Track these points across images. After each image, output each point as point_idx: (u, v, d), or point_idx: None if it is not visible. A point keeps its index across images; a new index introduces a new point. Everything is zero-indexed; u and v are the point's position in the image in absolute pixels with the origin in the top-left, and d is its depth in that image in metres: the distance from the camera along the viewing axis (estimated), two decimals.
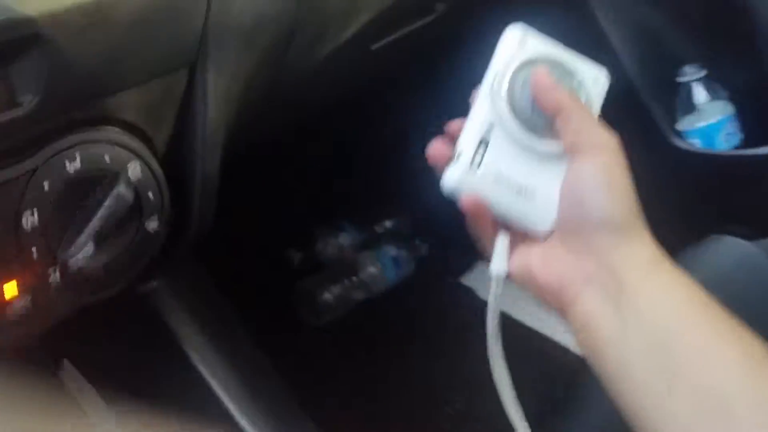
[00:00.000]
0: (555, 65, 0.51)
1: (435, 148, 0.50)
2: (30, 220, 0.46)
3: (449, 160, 0.50)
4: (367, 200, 1.38)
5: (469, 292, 1.33)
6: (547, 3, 0.64)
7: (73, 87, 0.45)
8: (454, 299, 1.30)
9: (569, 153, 0.48)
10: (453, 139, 0.50)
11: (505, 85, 0.50)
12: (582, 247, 0.47)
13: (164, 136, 0.54)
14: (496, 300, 0.50)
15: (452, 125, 0.51)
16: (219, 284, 0.74)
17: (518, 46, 0.52)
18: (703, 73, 1.18)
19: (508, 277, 0.50)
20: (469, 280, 1.35)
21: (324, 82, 0.75)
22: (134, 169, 0.51)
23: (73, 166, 0.47)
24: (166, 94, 0.52)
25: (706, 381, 0.42)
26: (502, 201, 0.50)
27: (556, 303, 0.48)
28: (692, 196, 1.18)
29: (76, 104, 0.46)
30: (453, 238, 0.79)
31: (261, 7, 0.54)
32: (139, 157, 0.51)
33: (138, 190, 0.51)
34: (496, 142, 0.50)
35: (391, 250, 1.32)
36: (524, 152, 0.50)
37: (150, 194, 0.52)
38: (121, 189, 0.49)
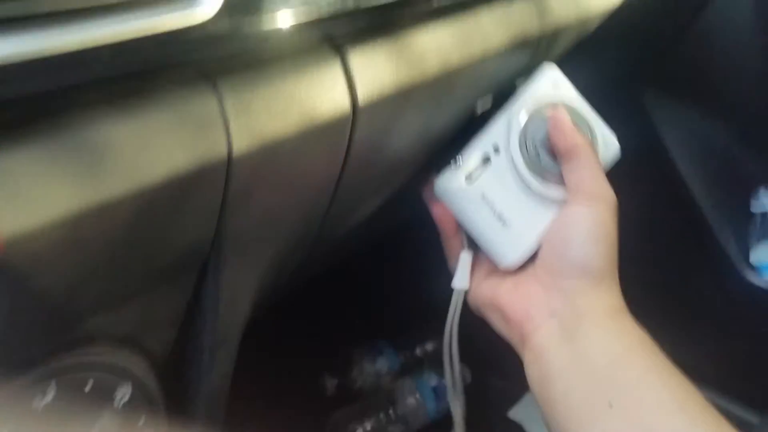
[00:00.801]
0: (577, 114, 0.52)
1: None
2: None
3: (446, 166, 0.52)
4: (408, 320, 1.27)
5: (517, 429, 1.20)
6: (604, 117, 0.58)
7: (43, 318, 0.35)
8: None
9: (569, 195, 0.49)
10: None
11: (525, 117, 0.51)
12: (554, 285, 0.49)
13: (164, 347, 0.44)
14: (455, 316, 0.55)
15: None
16: (248, 412, 0.64)
17: (550, 86, 0.53)
18: None
19: (475, 304, 0.53)
20: (517, 413, 1.22)
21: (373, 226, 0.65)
22: (122, 395, 0.41)
23: (43, 401, 0.38)
24: (169, 301, 0.42)
25: (639, 412, 0.44)
26: (480, 222, 0.51)
27: (517, 333, 0.50)
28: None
29: (47, 336, 0.37)
30: (498, 363, 0.71)
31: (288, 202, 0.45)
32: (130, 377, 0.41)
33: (127, 415, 0.41)
34: (497, 165, 0.51)
35: (432, 379, 1.20)
36: (519, 185, 0.51)
37: (143, 418, 0.42)
38: (104, 421, 0.40)
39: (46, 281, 0.34)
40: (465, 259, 0.53)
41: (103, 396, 0.40)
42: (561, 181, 0.50)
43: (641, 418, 0.43)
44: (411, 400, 1.17)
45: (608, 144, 0.53)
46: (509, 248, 0.51)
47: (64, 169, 0.32)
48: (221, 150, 0.38)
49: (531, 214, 0.50)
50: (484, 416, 1.22)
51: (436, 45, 0.48)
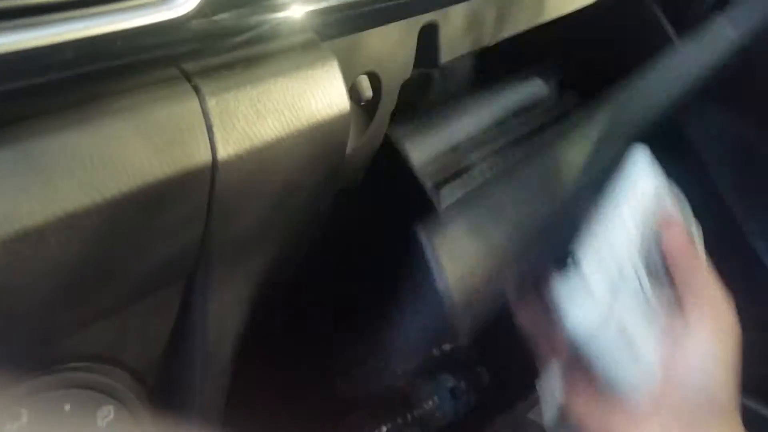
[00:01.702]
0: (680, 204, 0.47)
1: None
2: None
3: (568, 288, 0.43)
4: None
5: (535, 428, 1.16)
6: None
7: (13, 337, 0.32)
8: None
9: (692, 319, 0.43)
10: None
11: (639, 225, 0.46)
12: (674, 418, 0.42)
13: (150, 364, 0.41)
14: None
15: None
16: (261, 414, 0.61)
17: (648, 177, 0.47)
18: None
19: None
20: (536, 413, 1.19)
21: None
22: (106, 415, 0.38)
23: (15, 424, 0.35)
24: (154, 316, 0.39)
25: None
26: (612, 354, 0.43)
27: None
28: None
29: (18, 356, 0.34)
30: (516, 363, 0.67)
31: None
32: (113, 396, 0.38)
33: None
34: (623, 286, 0.44)
35: (448, 380, 1.17)
36: (644, 309, 0.44)
37: None
38: None
39: (12, 299, 0.31)
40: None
41: (84, 416, 0.37)
42: (675, 301, 0.45)
43: None
44: (428, 403, 1.14)
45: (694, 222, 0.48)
46: (639, 375, 0.43)
47: (23, 179, 0.29)
48: (204, 155, 0.35)
49: (655, 338, 0.44)
50: (502, 417, 1.18)
51: None
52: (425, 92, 0.77)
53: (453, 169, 0.64)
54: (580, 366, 0.45)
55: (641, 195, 0.46)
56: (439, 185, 0.62)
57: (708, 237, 0.59)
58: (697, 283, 0.44)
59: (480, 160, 0.68)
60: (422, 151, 0.68)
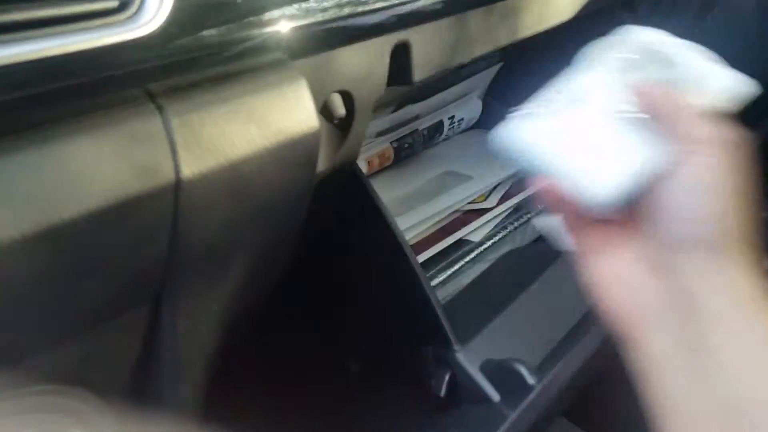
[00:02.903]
0: (656, 56, 0.42)
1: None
2: None
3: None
4: None
5: None
6: None
7: None
8: None
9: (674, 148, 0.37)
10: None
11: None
12: (663, 265, 0.36)
13: (119, 385, 0.40)
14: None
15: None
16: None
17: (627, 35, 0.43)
18: None
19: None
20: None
21: None
22: None
23: None
24: (121, 336, 0.38)
25: None
26: (564, 157, 0.39)
27: (622, 328, 0.37)
28: None
29: None
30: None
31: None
32: (80, 419, 0.37)
33: None
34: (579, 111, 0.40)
35: None
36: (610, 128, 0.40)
37: None
38: None
39: None
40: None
41: None
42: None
43: None
44: None
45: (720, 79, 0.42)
46: (601, 180, 0.39)
47: None
48: (167, 174, 0.34)
49: (626, 153, 0.39)
50: None
51: None
52: None
53: None
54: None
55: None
56: None
57: None
58: (669, 114, 0.39)
59: None
60: None
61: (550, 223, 0.43)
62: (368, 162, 0.78)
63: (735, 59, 0.46)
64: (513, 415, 0.50)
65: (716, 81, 0.42)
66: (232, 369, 0.53)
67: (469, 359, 0.54)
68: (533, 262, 0.70)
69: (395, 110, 0.80)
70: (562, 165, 0.40)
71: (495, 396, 0.52)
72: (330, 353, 0.65)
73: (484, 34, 0.58)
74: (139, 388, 0.41)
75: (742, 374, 0.33)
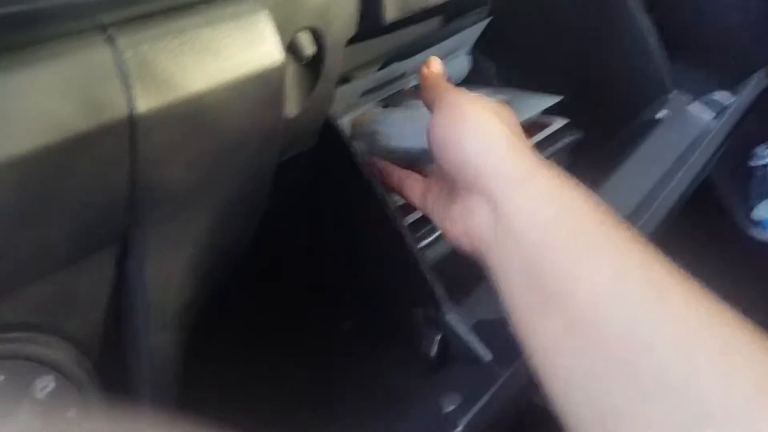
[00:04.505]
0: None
1: None
2: None
3: None
4: None
5: None
6: None
7: None
8: None
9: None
10: None
11: None
12: (463, 189, 0.45)
13: (92, 332, 0.38)
14: None
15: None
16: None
17: None
18: None
19: None
20: None
21: None
22: (44, 386, 0.35)
23: None
24: (88, 281, 0.37)
25: (576, 303, 0.36)
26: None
27: (474, 253, 0.45)
28: None
29: None
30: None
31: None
32: (51, 366, 0.36)
33: (53, 406, 0.36)
34: None
35: None
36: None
37: (73, 410, 0.37)
38: (23, 414, 0.34)
39: None
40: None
41: (19, 388, 0.34)
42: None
43: (581, 320, 0.35)
44: None
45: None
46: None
47: None
48: (120, 108, 0.32)
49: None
50: None
51: None
52: None
53: None
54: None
55: None
56: None
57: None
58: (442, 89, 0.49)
59: None
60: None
61: None
62: (353, 124, 0.75)
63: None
64: (506, 374, 0.48)
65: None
66: (222, 320, 0.52)
67: (460, 320, 0.52)
68: None
69: (381, 69, 0.77)
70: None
71: (487, 355, 0.50)
72: (322, 316, 0.63)
73: None
74: (112, 336, 0.39)
75: (525, 229, 0.39)
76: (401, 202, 0.71)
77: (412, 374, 0.55)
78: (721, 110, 0.81)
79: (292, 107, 0.46)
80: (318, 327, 0.59)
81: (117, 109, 0.32)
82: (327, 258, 0.59)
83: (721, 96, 0.84)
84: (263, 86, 0.38)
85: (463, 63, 0.92)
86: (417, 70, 0.91)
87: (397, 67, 0.78)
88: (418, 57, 0.81)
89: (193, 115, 0.35)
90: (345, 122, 0.74)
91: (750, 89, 0.84)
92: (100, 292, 0.37)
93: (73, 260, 0.35)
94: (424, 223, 0.73)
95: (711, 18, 0.92)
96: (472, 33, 0.89)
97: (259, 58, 0.37)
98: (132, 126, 0.33)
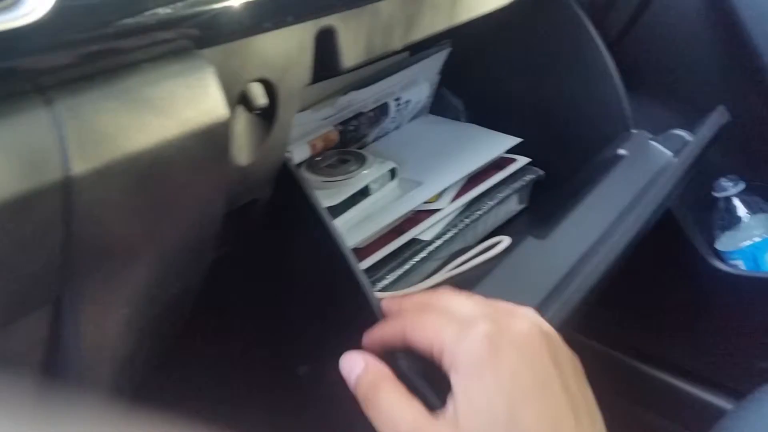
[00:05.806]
0: None
1: None
2: None
3: None
4: None
5: None
6: None
7: None
8: None
9: None
10: None
11: None
12: None
13: (27, 395, 0.37)
14: None
15: None
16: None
17: None
18: (742, 186, 0.99)
19: None
20: None
21: None
22: None
23: None
24: (22, 338, 0.36)
25: None
26: None
27: None
28: (737, 325, 0.98)
29: None
30: None
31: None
32: None
33: None
34: None
35: None
36: None
37: None
38: None
39: None
40: None
41: None
42: None
43: None
44: None
45: None
46: None
47: None
48: (54, 171, 0.31)
49: None
50: None
51: None
52: None
53: None
54: None
55: None
56: None
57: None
58: None
59: None
60: None
61: None
62: (312, 145, 0.75)
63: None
64: None
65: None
66: (171, 370, 0.51)
67: (411, 366, 0.51)
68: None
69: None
70: None
71: (437, 403, 0.50)
72: (276, 362, 0.62)
73: (422, 17, 0.56)
74: (46, 392, 0.38)
75: None
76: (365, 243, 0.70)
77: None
78: (682, 146, 0.82)
79: (244, 156, 0.45)
80: (272, 373, 0.58)
81: (51, 172, 0.31)
82: (283, 303, 0.58)
83: (682, 132, 0.84)
84: (207, 141, 0.37)
85: (421, 89, 0.92)
86: (375, 96, 0.91)
87: (356, 95, 0.78)
88: (376, 86, 0.81)
89: (133, 173, 0.34)
90: (303, 144, 0.74)
91: (709, 125, 0.85)
92: (35, 350, 0.37)
93: (5, 323, 0.34)
94: (383, 263, 0.73)
95: (672, 56, 0.93)
96: (433, 63, 0.90)
97: (203, 114, 0.37)
98: (66, 187, 0.32)
